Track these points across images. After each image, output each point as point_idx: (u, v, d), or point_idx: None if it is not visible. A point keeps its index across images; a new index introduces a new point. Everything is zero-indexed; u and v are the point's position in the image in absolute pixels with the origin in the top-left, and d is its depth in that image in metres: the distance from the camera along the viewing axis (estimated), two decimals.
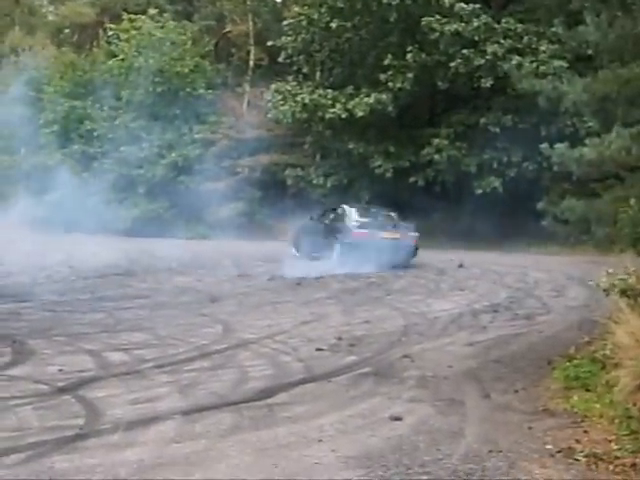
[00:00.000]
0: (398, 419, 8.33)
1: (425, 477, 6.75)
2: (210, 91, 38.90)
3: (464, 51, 30.74)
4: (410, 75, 31.56)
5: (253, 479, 6.67)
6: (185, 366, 10.80)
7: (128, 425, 7.99)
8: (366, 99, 31.72)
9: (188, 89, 38.26)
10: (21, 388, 9.47)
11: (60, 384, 9.57)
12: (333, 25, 32.79)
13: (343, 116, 32.00)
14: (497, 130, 31.26)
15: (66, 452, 7.21)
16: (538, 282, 20.76)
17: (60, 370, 10.26)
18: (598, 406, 8.79)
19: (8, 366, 10.56)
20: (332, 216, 25.38)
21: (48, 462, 6.94)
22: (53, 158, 37.95)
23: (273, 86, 34.36)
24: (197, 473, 6.73)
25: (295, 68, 35.28)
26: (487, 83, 30.82)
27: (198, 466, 6.89)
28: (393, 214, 25.35)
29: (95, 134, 38.52)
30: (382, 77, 31.82)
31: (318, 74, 35.74)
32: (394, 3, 31.13)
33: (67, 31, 46.39)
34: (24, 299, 16.94)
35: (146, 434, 7.78)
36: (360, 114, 31.64)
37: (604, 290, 10.34)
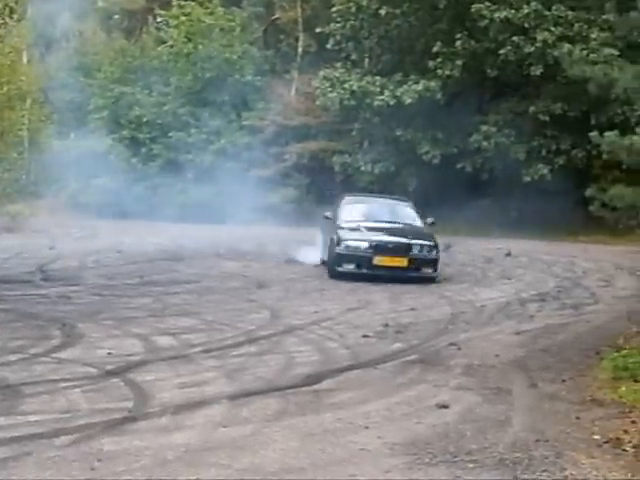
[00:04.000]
0: (445, 407, 8.32)
1: (471, 465, 6.73)
2: (258, 78, 38.96)
3: (514, 38, 30.57)
4: (459, 62, 31.45)
5: (300, 464, 6.69)
6: (232, 351, 10.87)
7: (176, 409, 8.05)
8: (414, 86, 31.63)
9: (237, 76, 38.34)
10: (70, 371, 9.57)
11: (109, 367, 9.66)
12: (382, 12, 32.71)
13: (391, 103, 31.93)
14: (546, 118, 31.09)
15: (115, 434, 7.27)
16: (586, 271, 20.63)
17: (109, 353, 10.37)
18: None
19: (58, 349, 10.68)
20: None
21: (97, 444, 7.01)
22: (102, 143, 38.19)
23: (321, 73, 34.34)
24: (244, 457, 6.77)
25: (343, 55, 35.24)
26: (537, 71, 30.64)
27: (245, 450, 6.93)
28: None
29: (144, 120, 38.72)
30: (431, 64, 31.73)
31: (366, 61, 35.67)
32: None
33: (117, 17, 46.64)
34: (73, 283, 17.15)
35: (193, 418, 7.83)
36: (408, 101, 31.56)
37: None
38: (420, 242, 18.83)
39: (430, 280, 18.29)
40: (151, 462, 6.60)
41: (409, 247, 18.70)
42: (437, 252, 18.84)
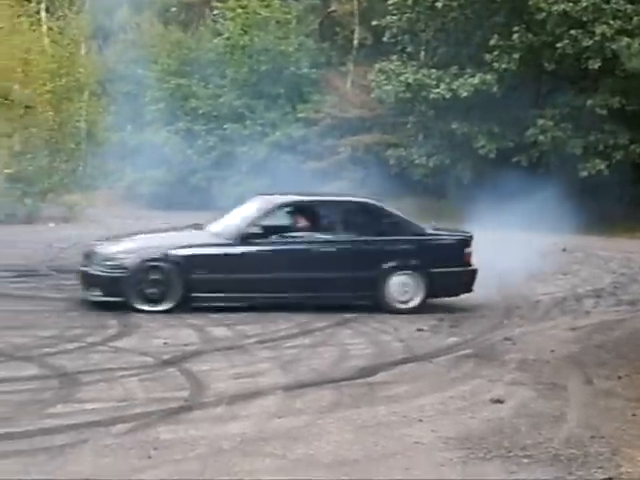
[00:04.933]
0: (499, 402, 8.29)
1: (526, 460, 6.71)
2: (314, 70, 38.99)
3: (572, 32, 30.27)
4: (516, 56, 31.23)
5: (354, 456, 6.71)
6: (286, 342, 10.91)
7: (231, 399, 8.11)
8: (471, 79, 31.47)
9: (292, 68, 38.39)
10: (127, 360, 9.67)
11: (165, 357, 9.74)
12: (439, 4, 32.56)
13: (447, 96, 31.80)
14: (604, 112, 30.75)
15: (171, 423, 7.35)
16: None
17: (165, 343, 10.45)
18: None
19: (114, 338, 10.79)
20: None
21: (153, 433, 7.08)
22: (158, 135, 38.50)
23: (377, 66, 34.30)
24: (298, 448, 6.81)
25: (399, 47, 35.15)
26: (595, 64, 30.31)
27: (300, 441, 6.97)
28: None
29: (200, 112, 38.95)
30: (487, 57, 31.53)
31: (422, 54, 35.55)
32: None
33: (174, 9, 46.89)
34: None
35: (248, 408, 7.89)
36: (464, 94, 31.39)
37: None
38: (103, 251, 13.27)
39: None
40: (207, 451, 6.67)
41: (89, 255, 13.46)
42: (116, 269, 12.72)
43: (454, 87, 31.65)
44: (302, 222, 13.74)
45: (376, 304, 13.32)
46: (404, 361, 10.02)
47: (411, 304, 13.42)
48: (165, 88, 40.12)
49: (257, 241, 13.21)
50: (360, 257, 13.43)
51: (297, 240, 13.45)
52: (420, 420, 7.65)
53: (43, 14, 36.76)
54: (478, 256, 14.17)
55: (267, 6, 39.62)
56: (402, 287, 13.42)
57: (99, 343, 10.49)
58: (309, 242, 13.39)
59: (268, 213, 13.63)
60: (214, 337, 11.08)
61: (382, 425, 7.49)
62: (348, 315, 12.95)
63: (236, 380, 8.86)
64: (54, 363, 9.35)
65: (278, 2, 39.94)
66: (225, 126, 38.00)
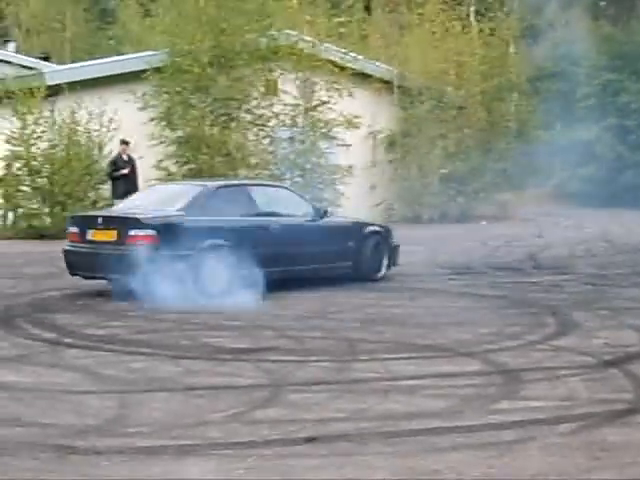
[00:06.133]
0: None
1: None
2: None
3: None
4: None
5: None
6: None
7: None
8: None
9: None
10: (567, 359, 9.63)
11: (606, 357, 9.58)
12: None
13: None
14: None
15: (616, 426, 7.21)
16: None
17: (605, 343, 10.28)
18: None
19: (553, 337, 10.78)
20: None
21: (599, 434, 6.98)
22: (588, 132, 38.02)
23: None
24: None
25: None
26: None
27: None
28: None
29: (632, 107, 37.98)
30: None
31: None
32: None
33: (603, 3, 46.06)
34: (563, 272, 17.20)
35: None
36: None
37: None
38: None
39: None
40: None
41: None
42: None
43: None
44: None
45: None
46: None
47: None
48: (595, 84, 39.51)
49: None
50: None
51: None
52: None
53: (473, 16, 37.48)
54: None
55: None
56: None
57: (538, 341, 10.52)
58: None
59: None
60: None
61: None
62: None
63: None
64: (496, 359, 9.50)
65: None
66: None
